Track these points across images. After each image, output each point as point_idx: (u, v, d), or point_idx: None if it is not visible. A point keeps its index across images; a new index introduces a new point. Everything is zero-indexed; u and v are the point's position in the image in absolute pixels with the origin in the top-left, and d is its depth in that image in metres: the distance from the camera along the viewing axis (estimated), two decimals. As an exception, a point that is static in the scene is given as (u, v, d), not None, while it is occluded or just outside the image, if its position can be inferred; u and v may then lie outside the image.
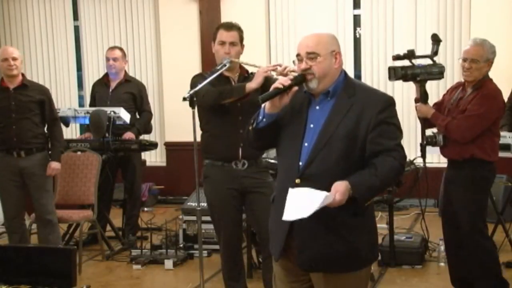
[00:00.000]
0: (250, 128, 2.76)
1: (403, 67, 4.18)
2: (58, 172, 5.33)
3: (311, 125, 2.67)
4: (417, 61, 4.31)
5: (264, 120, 2.69)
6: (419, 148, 6.83)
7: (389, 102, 2.70)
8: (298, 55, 2.68)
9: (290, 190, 2.57)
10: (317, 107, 2.70)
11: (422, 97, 4.24)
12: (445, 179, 4.34)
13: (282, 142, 2.74)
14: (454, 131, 4.05)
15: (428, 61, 4.31)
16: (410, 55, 4.18)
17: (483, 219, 4.21)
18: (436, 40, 4.25)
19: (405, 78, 4.20)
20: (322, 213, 2.56)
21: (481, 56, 4.02)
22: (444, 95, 4.41)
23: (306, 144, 2.65)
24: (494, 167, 4.17)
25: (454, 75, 6.88)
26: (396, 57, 4.20)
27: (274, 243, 2.80)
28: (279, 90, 2.62)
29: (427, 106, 4.23)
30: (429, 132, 4.37)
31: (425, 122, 4.29)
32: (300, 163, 2.63)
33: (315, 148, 2.62)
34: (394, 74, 4.18)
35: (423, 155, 4.35)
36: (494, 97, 4.07)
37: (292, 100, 2.67)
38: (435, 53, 4.25)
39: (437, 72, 4.25)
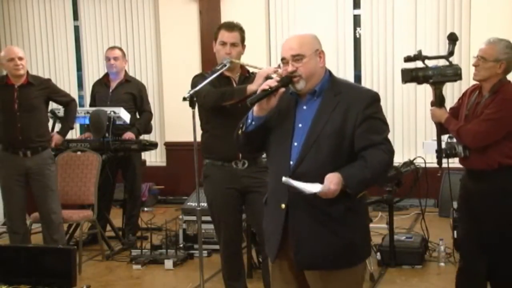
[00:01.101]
0: (239, 132, 2.79)
1: (414, 69, 3.92)
2: (58, 144, 5.47)
3: (300, 125, 2.71)
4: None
5: (253, 123, 2.74)
6: (419, 148, 6.98)
7: (374, 98, 2.73)
8: (283, 58, 2.72)
9: (284, 179, 2.59)
10: (304, 107, 2.74)
11: (437, 100, 3.93)
12: (465, 193, 3.89)
13: (271, 143, 2.78)
14: (466, 135, 3.72)
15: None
16: (419, 56, 3.93)
17: None
18: (452, 39, 3.98)
19: (417, 81, 3.90)
20: (316, 211, 2.62)
21: (490, 55, 3.68)
22: (459, 99, 4.04)
23: (295, 143, 2.70)
24: None
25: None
26: (407, 59, 3.96)
27: (270, 245, 2.83)
28: (266, 92, 2.66)
29: (441, 110, 3.93)
30: (444, 140, 4.08)
31: (441, 127, 3.97)
32: (291, 162, 2.68)
33: (304, 147, 2.67)
34: (405, 76, 3.93)
35: (439, 162, 3.99)
36: None
37: (279, 102, 2.72)
38: (450, 53, 3.96)
39: (452, 74, 3.90)
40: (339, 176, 2.55)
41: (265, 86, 2.67)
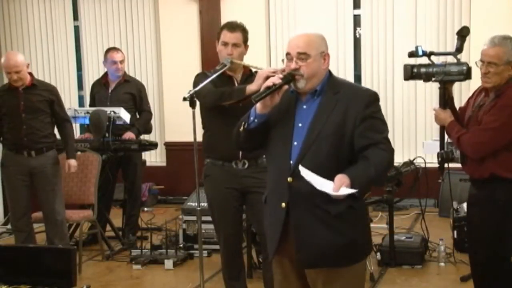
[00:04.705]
0: (241, 129, 2.78)
1: (416, 65, 3.76)
2: (75, 170, 5.32)
3: (299, 124, 2.71)
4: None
5: (256, 120, 2.73)
6: (419, 148, 6.98)
7: (373, 97, 2.74)
8: (288, 54, 2.71)
9: (301, 168, 2.59)
10: (304, 106, 2.75)
11: (441, 101, 3.70)
12: (468, 199, 3.75)
13: (272, 142, 2.78)
14: (466, 145, 3.49)
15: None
16: (415, 52, 3.78)
17: (507, 250, 3.52)
18: (462, 35, 3.74)
19: (419, 78, 3.75)
20: (317, 210, 2.63)
21: (499, 58, 3.39)
22: (469, 98, 3.75)
23: (295, 143, 2.70)
24: None
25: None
26: (411, 54, 3.82)
27: (270, 242, 2.83)
28: (271, 90, 2.65)
29: (445, 113, 3.66)
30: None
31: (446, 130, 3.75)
32: (291, 162, 2.68)
33: (304, 147, 2.67)
34: (406, 72, 3.78)
35: (441, 168, 3.82)
36: None
37: (280, 99, 2.71)
38: (458, 49, 3.74)
39: (456, 72, 3.66)
40: (347, 177, 2.54)
41: (269, 83, 2.66)
